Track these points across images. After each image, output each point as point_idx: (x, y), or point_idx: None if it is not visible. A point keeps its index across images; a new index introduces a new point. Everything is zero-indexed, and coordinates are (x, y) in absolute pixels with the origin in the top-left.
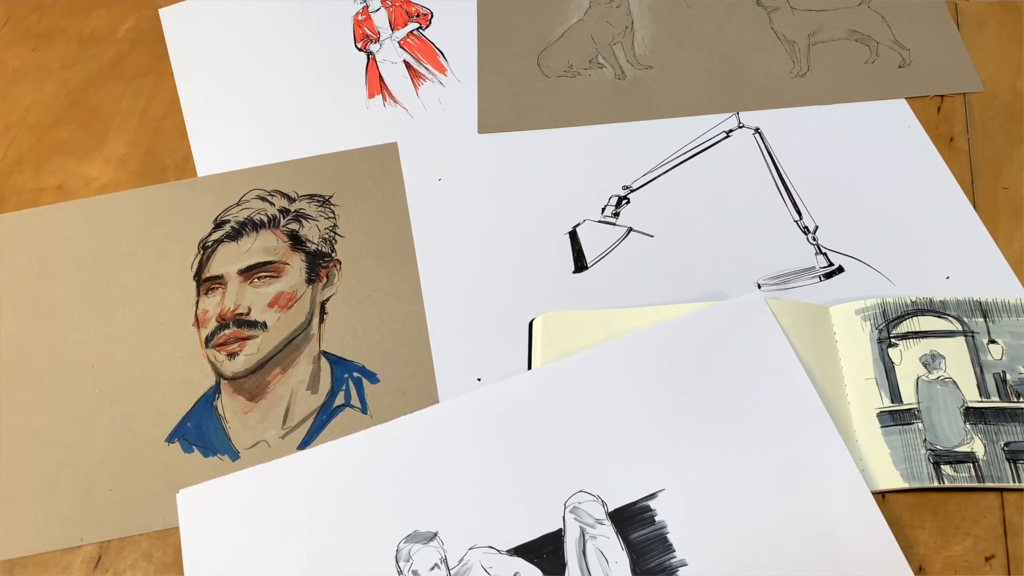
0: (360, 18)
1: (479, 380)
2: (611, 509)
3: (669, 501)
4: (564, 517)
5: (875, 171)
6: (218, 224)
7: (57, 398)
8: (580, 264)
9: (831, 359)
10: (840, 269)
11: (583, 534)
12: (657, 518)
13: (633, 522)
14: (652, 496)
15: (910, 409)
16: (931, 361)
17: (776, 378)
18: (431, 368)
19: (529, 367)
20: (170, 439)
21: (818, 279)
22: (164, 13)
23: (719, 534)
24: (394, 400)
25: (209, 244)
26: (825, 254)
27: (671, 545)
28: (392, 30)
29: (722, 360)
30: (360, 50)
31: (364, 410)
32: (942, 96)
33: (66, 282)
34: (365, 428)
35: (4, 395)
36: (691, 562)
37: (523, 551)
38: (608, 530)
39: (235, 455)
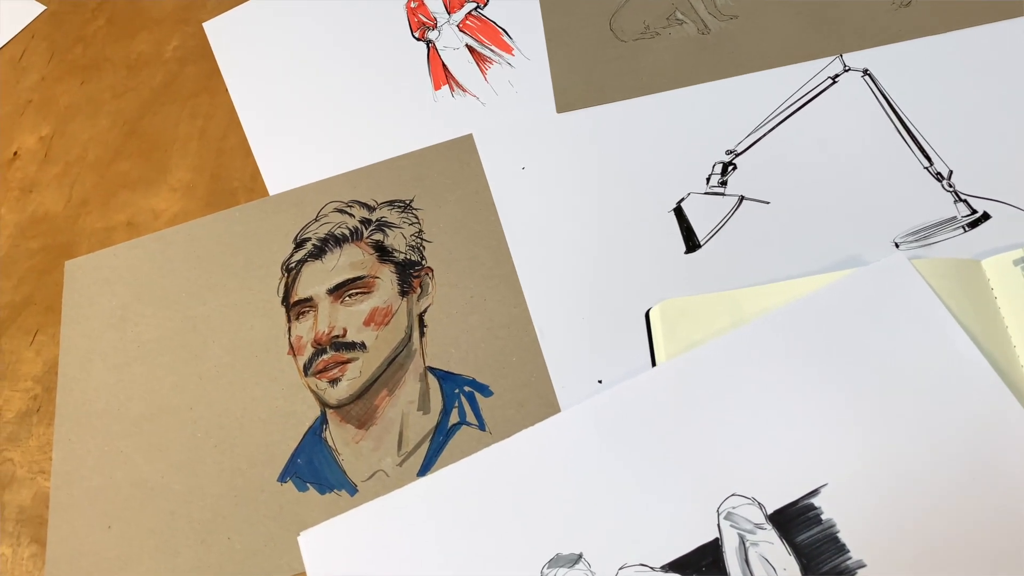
0: (413, 5)
1: (600, 382)
2: (770, 511)
3: (834, 496)
4: (719, 525)
5: (1007, 101)
6: (298, 243)
7: (159, 446)
8: (692, 243)
9: (993, 318)
10: (986, 216)
11: (743, 542)
12: (823, 516)
13: (797, 523)
14: (814, 492)
15: None
16: None
17: (935, 346)
18: (546, 374)
19: (653, 363)
20: (282, 478)
21: (962, 230)
22: (209, 27)
23: (896, 527)
24: (511, 412)
25: (292, 265)
26: (966, 201)
27: (844, 545)
28: (449, 13)
29: (871, 333)
30: (418, 40)
31: (481, 426)
32: None
33: (150, 323)
34: (485, 446)
35: (105, 447)
36: (870, 562)
37: (679, 566)
38: (771, 535)
39: (353, 489)
